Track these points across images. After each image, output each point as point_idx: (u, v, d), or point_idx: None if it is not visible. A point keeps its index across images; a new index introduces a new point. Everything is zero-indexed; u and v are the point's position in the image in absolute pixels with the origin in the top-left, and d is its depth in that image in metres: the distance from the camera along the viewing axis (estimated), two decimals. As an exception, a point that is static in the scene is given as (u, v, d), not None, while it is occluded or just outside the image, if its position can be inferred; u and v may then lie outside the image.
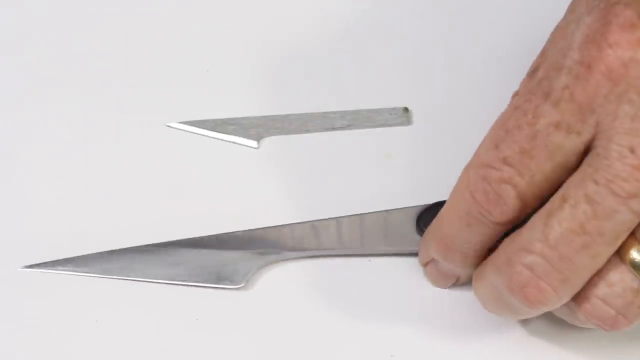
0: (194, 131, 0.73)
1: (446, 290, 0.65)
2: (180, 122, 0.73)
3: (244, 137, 0.72)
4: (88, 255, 0.67)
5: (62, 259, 0.67)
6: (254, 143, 0.72)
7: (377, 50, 0.76)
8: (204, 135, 0.72)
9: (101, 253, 0.67)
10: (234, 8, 0.79)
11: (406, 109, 0.73)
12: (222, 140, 0.72)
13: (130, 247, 0.67)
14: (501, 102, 0.73)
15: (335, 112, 0.73)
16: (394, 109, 0.73)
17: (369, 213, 0.66)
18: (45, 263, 0.66)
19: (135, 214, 0.68)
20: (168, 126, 0.73)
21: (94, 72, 0.76)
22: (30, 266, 0.66)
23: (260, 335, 0.64)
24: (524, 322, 0.63)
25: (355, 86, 0.74)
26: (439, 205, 0.66)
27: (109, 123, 0.73)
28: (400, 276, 0.65)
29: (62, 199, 0.69)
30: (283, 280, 0.66)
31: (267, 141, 0.72)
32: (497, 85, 0.74)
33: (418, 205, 0.66)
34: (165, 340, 0.64)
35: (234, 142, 0.72)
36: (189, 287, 0.65)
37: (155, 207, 0.69)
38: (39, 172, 0.71)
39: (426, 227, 0.65)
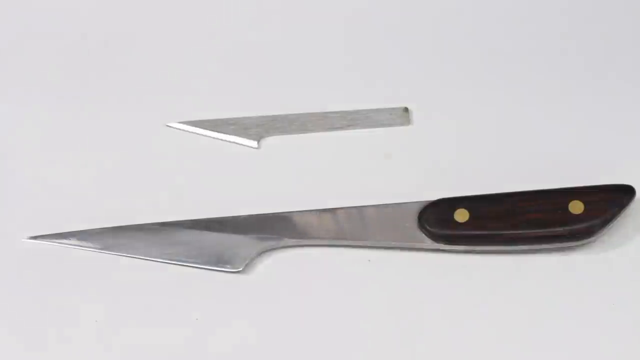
0: (194, 131, 0.73)
1: (446, 290, 0.65)
2: (180, 122, 0.73)
3: (244, 137, 0.72)
4: (91, 230, 0.68)
5: (65, 232, 0.68)
6: (254, 143, 0.72)
7: (377, 50, 0.76)
8: (204, 135, 0.72)
9: (104, 229, 0.68)
10: (234, 9, 0.79)
11: (406, 109, 0.73)
12: (222, 140, 0.72)
13: (132, 225, 0.68)
14: (501, 103, 0.73)
15: (335, 112, 0.73)
16: (394, 109, 0.73)
17: (370, 206, 0.67)
18: (49, 235, 0.68)
19: (135, 214, 0.68)
20: (168, 126, 0.73)
21: (95, 72, 0.76)
22: (35, 237, 0.68)
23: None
24: (524, 322, 0.63)
25: (355, 86, 0.74)
26: (440, 202, 0.66)
27: (109, 123, 0.73)
28: (400, 276, 0.65)
29: (62, 198, 0.70)
30: (282, 266, 0.66)
31: (267, 141, 0.72)
32: (497, 85, 0.74)
33: (420, 201, 0.66)
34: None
35: (234, 142, 0.72)
36: (188, 268, 0.66)
37: (156, 207, 0.69)
38: (41, 169, 0.71)
39: (428, 225, 0.65)
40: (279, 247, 0.67)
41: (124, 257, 0.67)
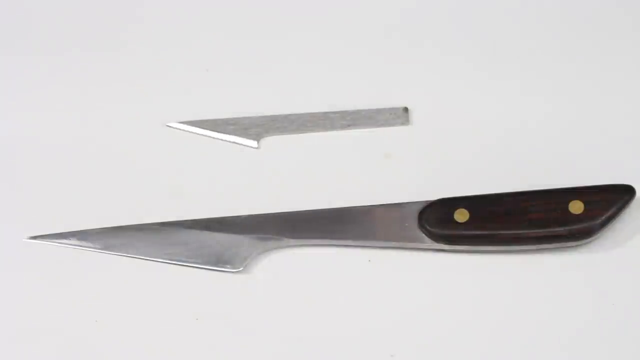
0: (194, 131, 0.73)
1: (446, 290, 0.65)
2: (180, 122, 0.73)
3: (244, 137, 0.72)
4: (91, 230, 0.68)
5: (65, 232, 0.68)
6: (254, 143, 0.72)
7: (377, 50, 0.76)
8: (204, 135, 0.72)
9: (104, 229, 0.68)
10: (234, 9, 0.79)
11: (406, 109, 0.73)
12: (222, 140, 0.72)
13: (132, 225, 0.68)
14: (500, 102, 0.73)
15: (335, 112, 0.73)
16: (394, 109, 0.73)
17: (370, 206, 0.67)
18: (49, 235, 0.68)
19: (135, 214, 0.68)
20: (168, 126, 0.73)
21: (95, 72, 0.76)
22: (35, 237, 0.68)
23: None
24: (524, 322, 0.63)
25: (355, 86, 0.74)
26: (440, 202, 0.66)
27: (110, 122, 0.73)
28: (400, 276, 0.65)
29: (62, 198, 0.70)
30: (282, 266, 0.66)
31: (267, 141, 0.72)
32: (497, 85, 0.74)
33: (420, 201, 0.66)
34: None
35: (234, 142, 0.72)
36: (188, 268, 0.66)
37: (156, 207, 0.69)
38: (41, 168, 0.71)
39: (429, 225, 0.65)
40: (279, 247, 0.67)
41: (124, 257, 0.67)
